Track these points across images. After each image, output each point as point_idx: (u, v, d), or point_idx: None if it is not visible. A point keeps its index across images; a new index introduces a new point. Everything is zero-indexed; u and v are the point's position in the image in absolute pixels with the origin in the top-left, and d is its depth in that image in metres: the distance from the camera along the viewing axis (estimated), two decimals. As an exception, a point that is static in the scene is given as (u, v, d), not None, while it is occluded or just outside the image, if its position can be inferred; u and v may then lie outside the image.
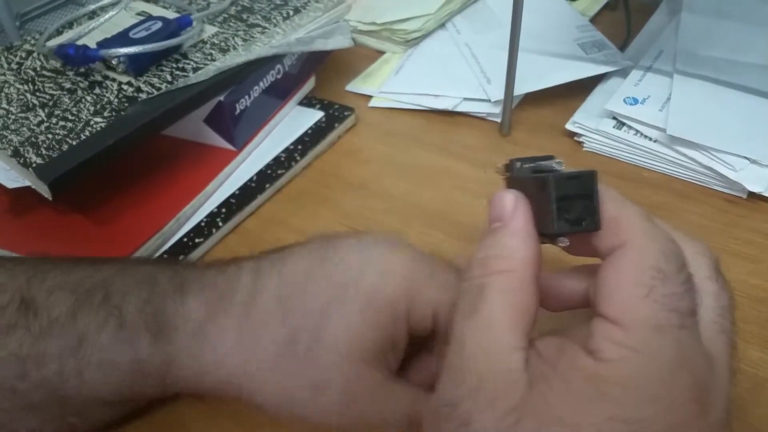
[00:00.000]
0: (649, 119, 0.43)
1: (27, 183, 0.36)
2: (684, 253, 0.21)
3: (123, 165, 0.43)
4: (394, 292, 0.25)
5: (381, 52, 0.58)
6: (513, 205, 0.22)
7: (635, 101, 0.44)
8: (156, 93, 0.40)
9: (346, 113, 0.49)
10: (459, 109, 0.50)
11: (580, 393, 0.19)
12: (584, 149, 0.46)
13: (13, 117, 0.40)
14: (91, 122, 0.38)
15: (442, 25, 0.59)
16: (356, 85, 0.54)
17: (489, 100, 0.49)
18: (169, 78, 0.41)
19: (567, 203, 0.20)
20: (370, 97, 0.53)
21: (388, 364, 0.26)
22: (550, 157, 0.23)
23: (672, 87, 0.44)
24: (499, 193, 0.23)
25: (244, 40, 0.45)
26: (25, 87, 0.43)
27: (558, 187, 0.20)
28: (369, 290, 0.25)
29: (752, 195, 0.40)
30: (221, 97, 0.42)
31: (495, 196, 0.23)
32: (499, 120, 0.48)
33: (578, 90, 0.49)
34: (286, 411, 0.26)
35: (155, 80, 0.41)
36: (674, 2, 0.53)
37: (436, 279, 0.26)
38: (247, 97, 0.44)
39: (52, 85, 0.42)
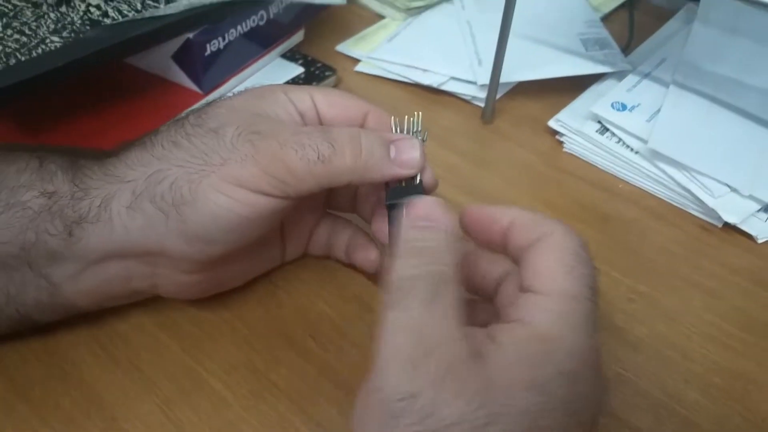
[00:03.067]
0: (634, 129, 0.40)
1: (-31, 92, 0.35)
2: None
3: (82, 91, 0.41)
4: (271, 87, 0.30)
5: (381, 17, 0.55)
6: (442, 210, 0.25)
7: (623, 107, 0.42)
8: (121, 20, 0.38)
9: (327, 73, 0.47)
10: (445, 87, 0.47)
11: (529, 354, 0.21)
12: (564, 150, 0.43)
13: (-29, 22, 0.38)
14: (47, 40, 0.37)
15: (449, -2, 0.56)
16: (347, 47, 0.52)
17: (476, 83, 0.46)
18: (138, 6, 0.39)
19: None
20: (359, 61, 0.50)
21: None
22: (417, 186, 0.28)
23: (665, 98, 0.41)
24: (424, 199, 0.25)
25: (227, -21, 0.43)
26: (-7, -6, 0.41)
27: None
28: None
29: (727, 225, 0.38)
30: (190, 35, 0.40)
31: (418, 200, 0.25)
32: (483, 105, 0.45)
33: (574, 87, 0.46)
34: (210, 198, 0.26)
35: (124, 7, 0.39)
36: (692, 11, 0.50)
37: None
38: (221, 38, 0.42)
39: (20, -5, 0.41)
